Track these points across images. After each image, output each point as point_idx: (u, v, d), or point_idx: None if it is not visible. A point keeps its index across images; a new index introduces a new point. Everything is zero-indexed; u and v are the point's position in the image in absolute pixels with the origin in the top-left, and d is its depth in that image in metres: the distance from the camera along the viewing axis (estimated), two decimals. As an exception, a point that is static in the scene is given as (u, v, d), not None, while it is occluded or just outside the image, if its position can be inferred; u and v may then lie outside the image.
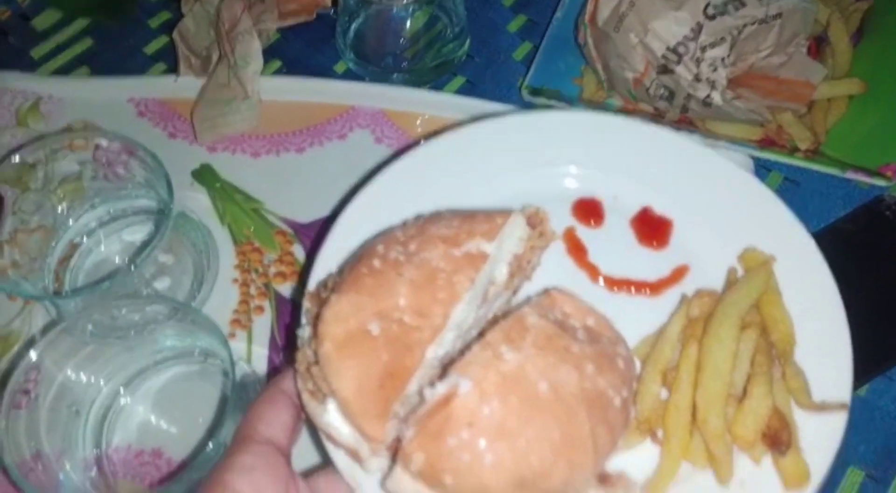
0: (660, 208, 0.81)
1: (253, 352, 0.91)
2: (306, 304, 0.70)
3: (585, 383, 0.59)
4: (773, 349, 0.69)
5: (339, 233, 0.79)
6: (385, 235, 0.71)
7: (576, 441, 0.56)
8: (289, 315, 0.93)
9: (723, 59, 0.90)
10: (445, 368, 0.61)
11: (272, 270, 0.96)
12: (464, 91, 1.10)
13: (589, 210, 0.83)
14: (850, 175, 0.92)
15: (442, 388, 0.57)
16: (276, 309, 0.93)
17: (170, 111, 1.08)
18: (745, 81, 0.94)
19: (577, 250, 0.80)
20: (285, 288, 0.95)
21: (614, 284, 0.78)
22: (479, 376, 0.57)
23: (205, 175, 1.02)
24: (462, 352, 0.61)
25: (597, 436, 0.57)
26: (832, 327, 0.70)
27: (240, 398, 0.76)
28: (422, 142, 0.85)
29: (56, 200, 0.93)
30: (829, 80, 0.97)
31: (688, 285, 0.76)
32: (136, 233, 0.97)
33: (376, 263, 0.66)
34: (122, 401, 0.85)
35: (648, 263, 0.79)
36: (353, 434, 0.62)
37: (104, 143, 0.88)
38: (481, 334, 0.63)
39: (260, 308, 0.94)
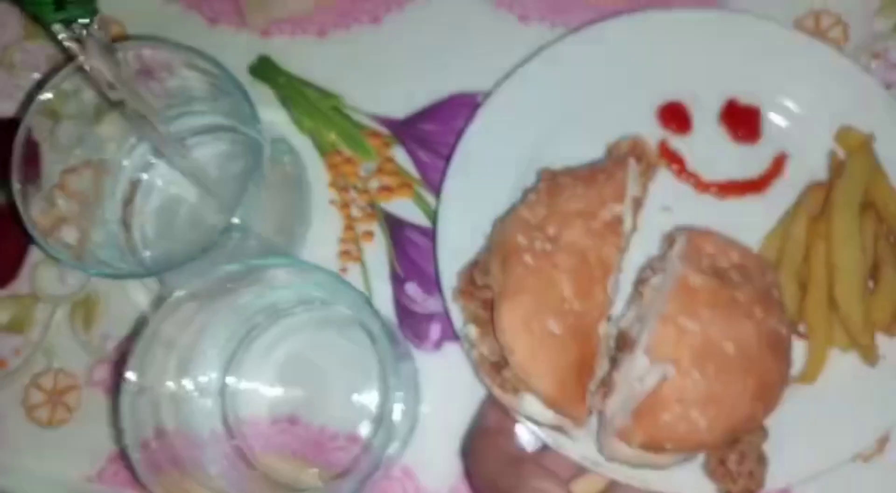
0: (744, 98, 0.80)
1: (373, 289, 0.77)
2: (457, 299, 0.72)
3: (760, 327, 0.64)
4: (886, 230, 0.73)
5: (454, 187, 0.74)
6: (514, 220, 0.70)
7: (768, 384, 0.64)
8: (404, 239, 0.78)
9: None
10: (620, 332, 0.68)
11: (373, 183, 0.78)
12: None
13: (675, 115, 0.80)
14: None
15: (652, 380, 0.62)
16: (389, 233, 0.78)
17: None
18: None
19: (674, 162, 0.79)
20: (395, 205, 0.79)
21: (724, 189, 0.76)
22: (674, 355, 0.62)
23: (263, 70, 0.82)
24: (636, 320, 0.67)
25: (781, 371, 0.65)
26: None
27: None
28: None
29: (99, 129, 0.73)
30: None
31: (791, 174, 0.76)
32: (203, 155, 0.78)
33: (528, 259, 0.67)
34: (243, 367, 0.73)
35: (747, 159, 0.77)
36: (555, 416, 0.69)
37: (147, 52, 0.68)
38: (639, 290, 0.70)
39: (368, 234, 0.78)
